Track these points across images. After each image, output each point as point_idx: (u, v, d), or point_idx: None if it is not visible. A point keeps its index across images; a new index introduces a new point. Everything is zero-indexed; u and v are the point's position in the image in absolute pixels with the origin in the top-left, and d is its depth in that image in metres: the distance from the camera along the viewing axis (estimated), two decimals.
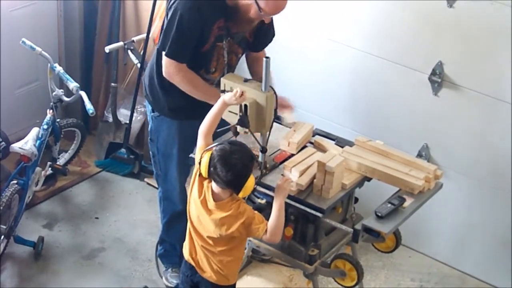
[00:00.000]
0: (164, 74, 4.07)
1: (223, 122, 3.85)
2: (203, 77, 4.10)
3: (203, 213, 3.56)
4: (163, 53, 4.01)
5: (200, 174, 3.55)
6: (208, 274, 3.71)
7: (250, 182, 3.46)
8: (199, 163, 3.52)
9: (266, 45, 4.28)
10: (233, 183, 3.46)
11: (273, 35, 4.25)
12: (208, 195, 3.55)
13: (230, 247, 3.64)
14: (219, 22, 3.97)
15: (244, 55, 4.31)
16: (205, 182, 3.58)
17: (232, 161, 3.42)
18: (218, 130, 3.84)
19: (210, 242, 3.63)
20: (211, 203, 3.54)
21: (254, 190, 3.75)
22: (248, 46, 4.24)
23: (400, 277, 5.04)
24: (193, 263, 3.74)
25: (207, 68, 4.12)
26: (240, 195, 3.49)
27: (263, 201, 3.84)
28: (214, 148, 3.49)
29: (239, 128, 3.81)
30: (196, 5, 3.89)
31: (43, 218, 5.31)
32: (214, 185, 3.54)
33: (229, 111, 3.80)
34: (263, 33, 4.17)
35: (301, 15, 4.95)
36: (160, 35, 4.09)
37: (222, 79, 3.81)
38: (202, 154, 3.53)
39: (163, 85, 4.19)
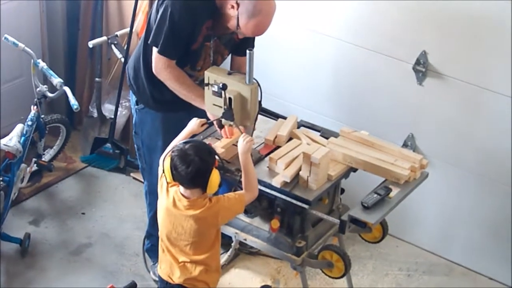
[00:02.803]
0: (153, 69, 4.07)
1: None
2: (188, 73, 4.11)
3: (179, 216, 3.56)
4: (155, 49, 4.01)
5: (167, 184, 3.58)
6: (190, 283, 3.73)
7: (215, 177, 3.47)
8: (163, 171, 3.55)
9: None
10: (197, 179, 3.47)
11: (253, 47, 4.16)
12: (179, 197, 3.56)
13: (210, 254, 3.65)
14: (207, 22, 3.98)
15: (230, 59, 4.30)
16: (172, 189, 3.59)
17: (190, 157, 3.44)
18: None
19: (190, 251, 3.63)
20: (183, 202, 3.54)
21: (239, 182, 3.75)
22: (235, 48, 4.23)
23: (387, 266, 5.06)
24: (172, 282, 3.74)
25: (193, 66, 4.13)
26: (208, 191, 3.50)
27: None
28: (171, 152, 3.52)
29: (223, 121, 3.82)
30: (187, 4, 3.89)
31: (29, 214, 5.29)
32: (181, 189, 3.55)
33: (214, 104, 3.80)
34: (248, 37, 4.14)
35: (285, 6, 4.94)
36: (147, 29, 4.10)
37: (206, 72, 3.81)
38: (163, 162, 3.55)
39: (149, 77, 4.19)
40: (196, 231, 3.56)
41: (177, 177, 3.49)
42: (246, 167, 3.65)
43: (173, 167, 3.47)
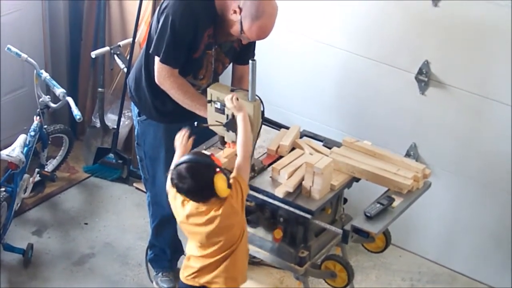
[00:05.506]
0: (156, 78, 4.06)
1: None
2: (190, 83, 4.10)
3: (202, 221, 3.49)
4: (157, 58, 4.00)
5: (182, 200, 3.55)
6: (218, 285, 3.65)
7: (220, 183, 3.37)
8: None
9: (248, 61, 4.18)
10: (203, 194, 3.42)
11: (253, 55, 4.16)
12: (195, 204, 3.51)
13: (240, 242, 3.59)
14: (209, 30, 3.97)
15: (231, 68, 4.30)
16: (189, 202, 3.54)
17: (183, 172, 3.39)
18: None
19: (221, 248, 3.57)
20: (200, 207, 3.49)
21: None
22: (235, 57, 4.23)
23: (391, 276, 5.05)
24: (197, 285, 3.68)
25: (196, 75, 4.13)
26: (221, 196, 3.41)
27: (252, 204, 3.84)
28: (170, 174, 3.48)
29: (226, 137, 3.82)
30: (188, 11, 3.88)
31: (32, 225, 5.29)
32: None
33: (217, 121, 3.80)
34: (248, 45, 4.14)
35: (287, 16, 4.95)
36: (148, 40, 4.10)
37: (208, 89, 3.81)
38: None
39: (151, 88, 4.17)
40: (223, 229, 3.48)
41: (185, 194, 3.46)
42: (246, 126, 3.60)
43: (177, 189, 3.45)
